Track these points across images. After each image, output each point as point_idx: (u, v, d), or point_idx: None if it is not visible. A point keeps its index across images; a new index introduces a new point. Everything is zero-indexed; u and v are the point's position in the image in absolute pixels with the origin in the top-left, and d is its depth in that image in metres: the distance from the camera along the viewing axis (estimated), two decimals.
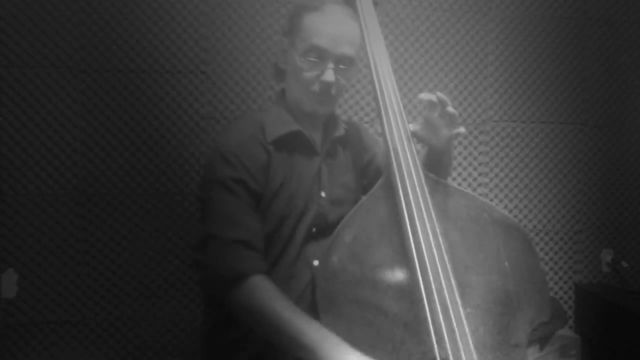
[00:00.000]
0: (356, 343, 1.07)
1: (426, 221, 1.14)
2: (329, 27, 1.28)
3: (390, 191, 1.21)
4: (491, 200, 2.32)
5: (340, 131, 1.41)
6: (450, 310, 1.06)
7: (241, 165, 1.25)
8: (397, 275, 1.12)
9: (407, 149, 1.23)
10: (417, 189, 1.18)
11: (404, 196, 1.18)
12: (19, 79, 1.99)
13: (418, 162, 1.22)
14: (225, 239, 1.22)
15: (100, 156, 2.05)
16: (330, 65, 1.28)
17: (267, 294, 1.17)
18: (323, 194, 1.34)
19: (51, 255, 2.03)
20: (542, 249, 2.36)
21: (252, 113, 1.46)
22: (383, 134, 1.27)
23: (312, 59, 1.28)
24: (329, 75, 1.28)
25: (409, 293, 1.10)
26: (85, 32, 2.03)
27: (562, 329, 2.21)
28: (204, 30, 2.10)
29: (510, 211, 2.33)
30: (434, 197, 1.20)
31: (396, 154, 1.23)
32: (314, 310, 1.13)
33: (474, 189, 2.31)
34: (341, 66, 1.30)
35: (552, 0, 2.33)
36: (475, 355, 1.03)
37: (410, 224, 1.14)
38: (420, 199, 1.17)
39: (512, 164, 2.34)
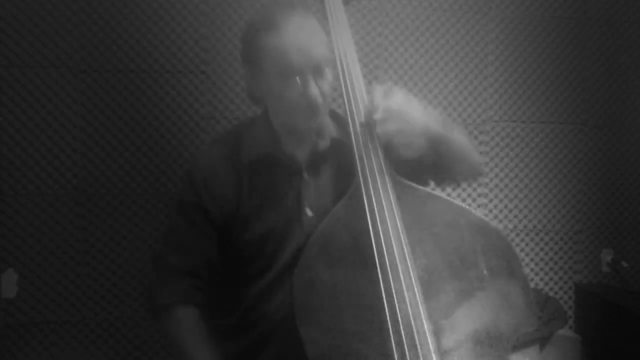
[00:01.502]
0: (333, 352, 1.08)
1: (390, 230, 1.13)
2: (293, 42, 1.16)
3: (359, 199, 1.18)
4: (491, 200, 2.32)
5: (325, 142, 1.30)
6: (413, 325, 1.06)
7: (205, 191, 1.24)
8: (369, 284, 1.11)
9: (372, 155, 1.19)
10: (382, 197, 1.16)
11: (368, 205, 1.15)
12: (19, 79, 1.99)
13: (385, 168, 1.19)
14: (171, 265, 1.25)
15: (100, 156, 2.05)
16: (310, 77, 1.17)
17: (180, 327, 1.24)
18: (309, 213, 1.26)
19: (51, 255, 2.02)
20: (542, 249, 2.36)
21: (233, 128, 1.38)
22: (350, 140, 1.23)
23: (289, 79, 1.17)
24: (313, 88, 1.18)
25: (378, 302, 1.09)
26: (85, 32, 2.03)
27: (562, 329, 2.21)
28: (204, 30, 2.10)
29: (511, 211, 2.33)
30: (406, 203, 1.17)
31: (361, 160, 1.19)
32: (291, 321, 1.13)
33: (474, 189, 2.31)
34: (322, 72, 1.20)
35: (552, 0, 2.33)
36: None
37: (374, 234, 1.13)
38: (385, 207, 1.15)
39: (512, 164, 2.34)
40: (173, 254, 1.26)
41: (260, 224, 1.25)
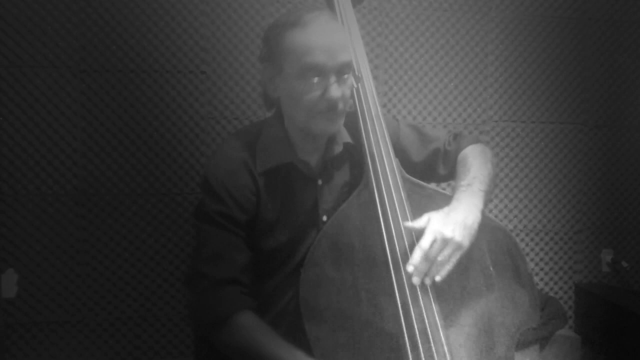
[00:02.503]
0: (339, 349, 1.09)
1: (402, 226, 1.14)
2: (319, 40, 1.14)
3: (369, 196, 1.20)
4: (491, 200, 2.32)
5: (339, 148, 1.29)
6: (425, 318, 1.07)
7: (230, 199, 1.20)
8: (377, 281, 1.12)
9: (383, 153, 1.21)
10: (394, 193, 1.18)
11: (379, 201, 1.17)
12: (19, 79, 1.99)
13: (395, 166, 1.21)
14: (212, 278, 1.20)
15: (100, 156, 2.05)
16: (333, 79, 1.15)
17: (250, 332, 1.16)
18: (325, 219, 1.26)
19: (51, 255, 2.03)
20: (542, 249, 2.36)
21: (243, 132, 1.34)
22: (361, 138, 1.24)
23: (311, 79, 1.14)
24: (335, 91, 1.15)
25: (388, 298, 1.10)
26: (85, 32, 2.03)
27: (562, 329, 2.21)
28: (204, 30, 2.10)
29: (511, 211, 2.33)
30: (414, 201, 1.19)
31: (372, 158, 1.21)
32: (297, 318, 1.13)
33: None
34: (344, 76, 1.17)
35: (552, 0, 2.33)
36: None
37: (385, 230, 1.14)
38: (397, 203, 1.17)
39: (512, 164, 2.34)
40: (210, 266, 1.20)
41: (280, 231, 1.25)
